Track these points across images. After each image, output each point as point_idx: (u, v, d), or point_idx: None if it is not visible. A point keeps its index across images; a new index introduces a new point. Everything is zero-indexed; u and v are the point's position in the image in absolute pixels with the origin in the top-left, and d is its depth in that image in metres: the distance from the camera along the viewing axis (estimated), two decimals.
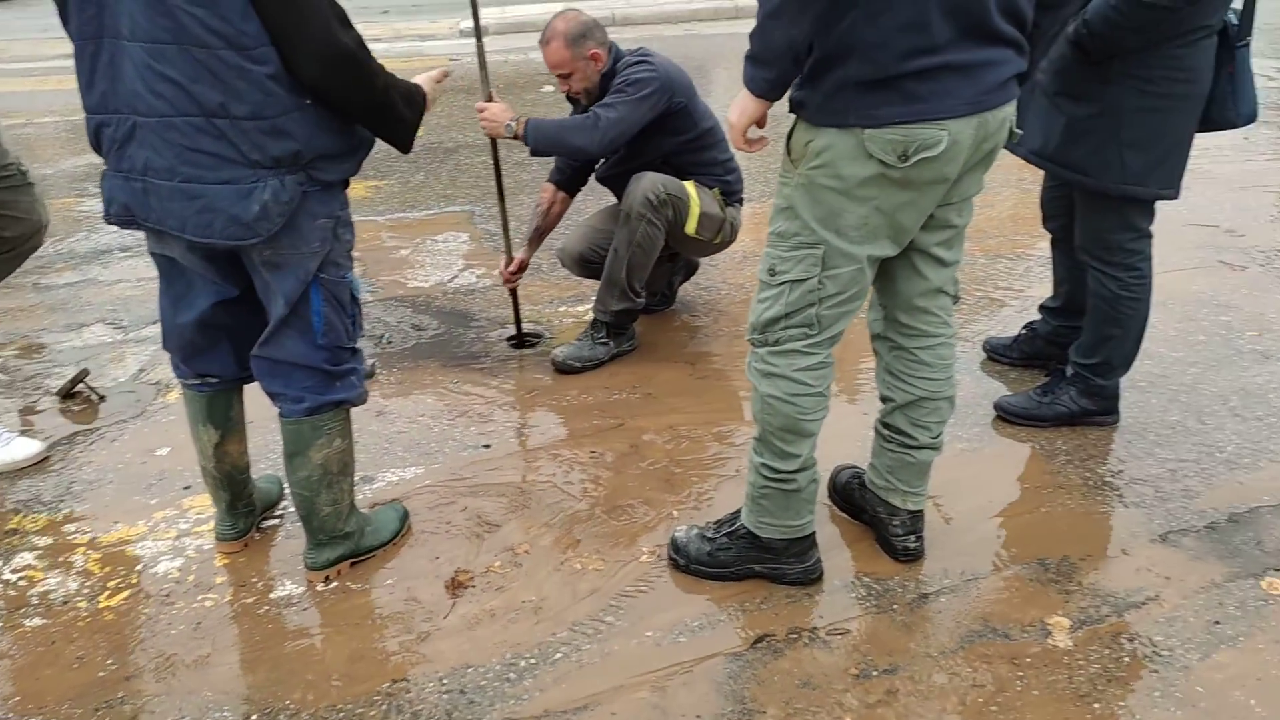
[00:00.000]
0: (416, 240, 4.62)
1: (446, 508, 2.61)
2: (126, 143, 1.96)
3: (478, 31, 3.11)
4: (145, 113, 1.91)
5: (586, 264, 3.53)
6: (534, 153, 3.14)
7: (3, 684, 2.07)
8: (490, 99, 3.13)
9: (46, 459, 2.88)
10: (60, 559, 2.45)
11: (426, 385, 3.27)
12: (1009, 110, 1.93)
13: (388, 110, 2.07)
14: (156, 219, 2.01)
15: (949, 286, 2.16)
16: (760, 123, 1.94)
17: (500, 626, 2.18)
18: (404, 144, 2.18)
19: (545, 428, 3.02)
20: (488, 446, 2.90)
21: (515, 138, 3.08)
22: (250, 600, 2.29)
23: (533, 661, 2.08)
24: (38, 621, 2.24)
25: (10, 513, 2.65)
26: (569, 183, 3.49)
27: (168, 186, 1.95)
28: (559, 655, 2.09)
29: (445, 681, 2.03)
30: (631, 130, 3.12)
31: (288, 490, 2.37)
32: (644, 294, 3.34)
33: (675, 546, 2.34)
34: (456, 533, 2.51)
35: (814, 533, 2.25)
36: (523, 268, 3.48)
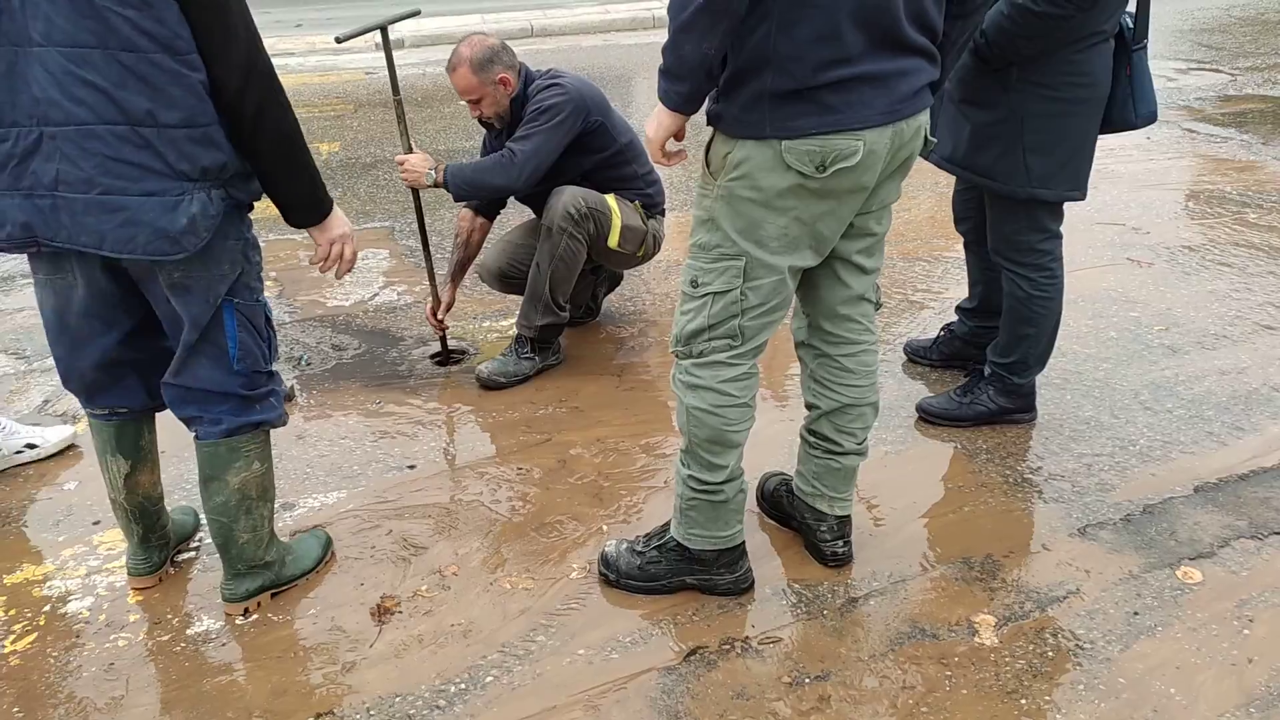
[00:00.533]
0: None
1: (371, 532, 2.55)
2: (29, 157, 1.82)
3: (394, 83, 3.13)
4: (60, 122, 1.79)
5: (507, 280, 3.49)
6: (457, 198, 3.17)
7: None
8: (410, 150, 3.13)
9: None
10: None
11: (348, 406, 3.20)
12: (923, 119, 1.96)
13: (296, 146, 1.98)
14: (67, 237, 1.86)
15: (871, 293, 2.18)
16: (678, 136, 1.94)
17: (429, 652, 2.14)
18: (303, 197, 2.05)
19: (471, 445, 2.98)
20: (412, 467, 2.85)
21: (436, 185, 3.11)
22: (166, 638, 2.21)
23: (463, 686, 2.04)
24: None
25: None
26: (487, 208, 3.45)
27: (84, 200, 1.83)
28: (489, 678, 2.05)
29: (373, 713, 1.98)
30: (550, 159, 3.12)
31: (204, 520, 2.28)
32: (568, 307, 3.32)
33: (605, 561, 2.32)
34: (382, 557, 2.45)
35: (744, 542, 2.25)
36: (450, 306, 3.44)
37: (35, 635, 2.22)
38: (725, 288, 1.99)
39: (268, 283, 4.20)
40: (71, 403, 3.22)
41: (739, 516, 2.21)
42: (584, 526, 2.55)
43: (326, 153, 6.31)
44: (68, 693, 2.06)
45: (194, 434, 2.16)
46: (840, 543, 2.35)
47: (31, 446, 2.89)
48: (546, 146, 3.10)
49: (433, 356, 3.52)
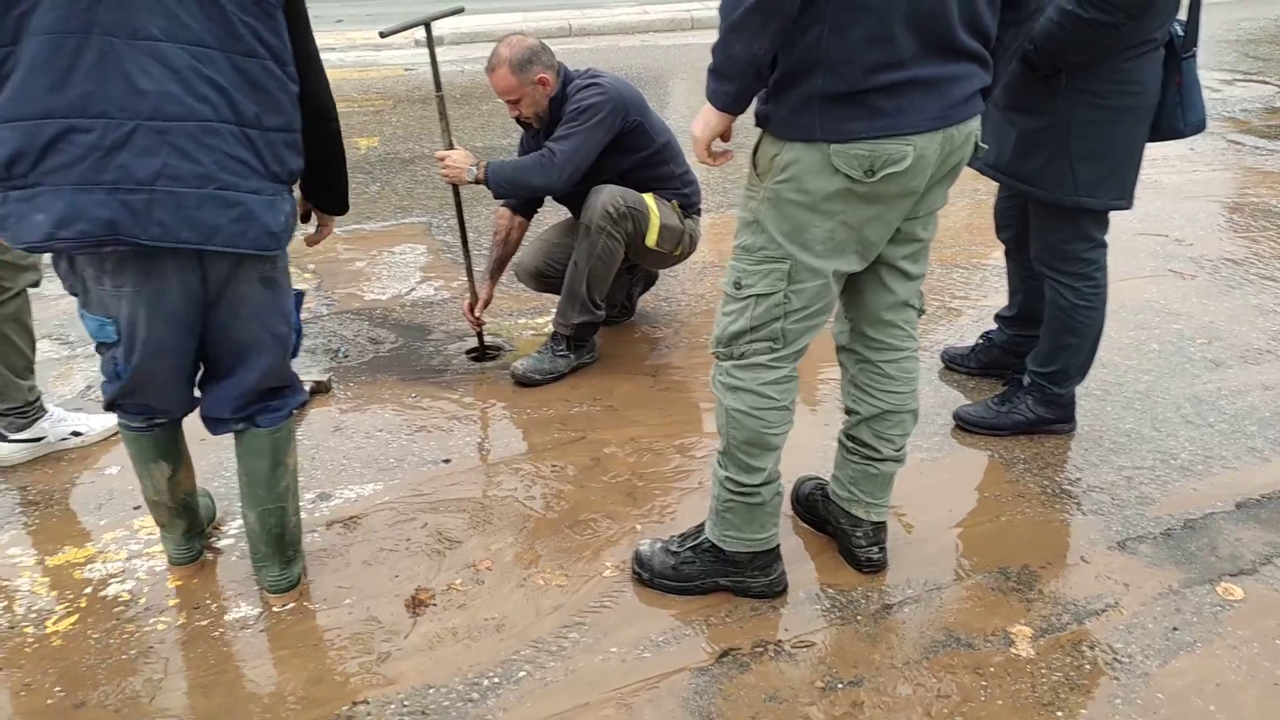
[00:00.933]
0: (373, 252, 4.56)
1: (406, 524, 2.57)
2: (117, 150, 1.78)
3: (436, 78, 3.17)
4: (180, 117, 1.80)
5: (544, 279, 3.50)
6: (497, 195, 3.20)
7: None
8: (450, 146, 3.16)
9: None
10: (5, 583, 2.38)
11: (385, 399, 3.22)
12: (974, 125, 1.94)
13: (341, 151, 2.18)
14: (160, 234, 1.83)
15: (914, 299, 2.17)
16: (724, 136, 1.94)
17: (462, 645, 2.15)
18: (344, 194, 2.27)
19: (506, 441, 2.99)
20: (448, 461, 2.87)
21: (477, 182, 3.13)
22: (205, 623, 2.23)
23: (496, 681, 2.04)
24: None
25: None
26: (525, 206, 3.47)
27: (197, 194, 1.83)
28: (522, 674, 2.06)
29: (406, 703, 1.99)
30: (589, 159, 3.13)
31: (241, 511, 2.31)
32: (604, 306, 3.33)
33: (639, 561, 2.32)
34: (417, 550, 2.47)
35: (778, 545, 2.25)
36: (487, 303, 3.46)
37: (76, 617, 2.26)
38: (769, 290, 1.98)
39: (306, 275, 4.25)
40: None
41: (775, 519, 2.21)
42: (617, 525, 2.55)
43: (365, 147, 6.36)
44: (108, 675, 2.09)
45: (244, 430, 2.19)
46: (875, 549, 2.34)
47: (77, 434, 2.93)
48: (586, 146, 3.11)
49: (468, 352, 3.54)
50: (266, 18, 1.86)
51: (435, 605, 2.27)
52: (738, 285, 2.02)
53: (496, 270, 3.50)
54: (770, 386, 2.05)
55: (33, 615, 2.27)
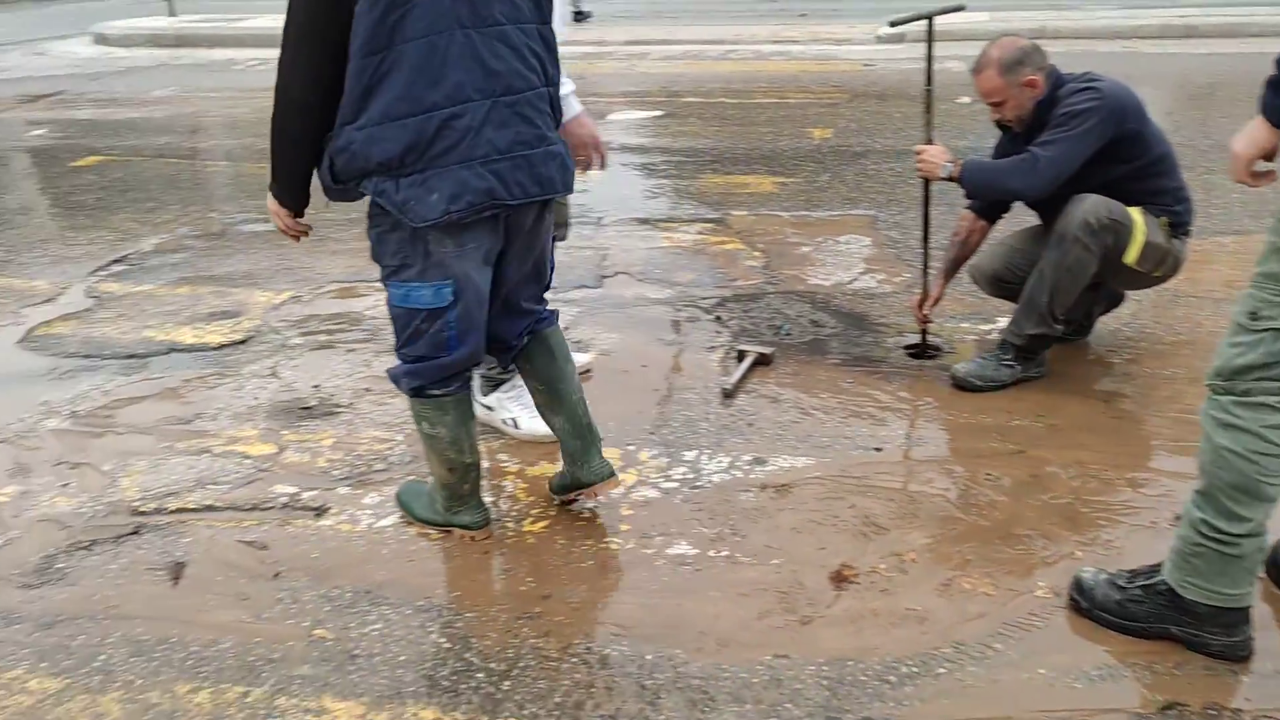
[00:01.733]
0: (819, 239, 4.69)
1: (835, 502, 2.65)
2: (483, 127, 2.08)
3: (929, 73, 3.20)
4: (523, 89, 2.14)
5: (1002, 284, 3.40)
6: (970, 195, 3.18)
7: (448, 581, 2.40)
8: (930, 141, 3.17)
9: None
10: (495, 482, 2.79)
11: (821, 380, 3.32)
12: None
13: None
14: (522, 193, 2.15)
15: None
16: (1269, 155, 1.77)
17: (882, 628, 2.18)
18: None
19: (939, 441, 2.97)
20: (879, 450, 2.90)
21: (951, 179, 3.11)
22: (649, 552, 2.47)
23: (914, 670, 2.06)
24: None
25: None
26: (990, 209, 3.37)
27: (540, 153, 2.17)
28: (942, 670, 2.06)
29: (825, 669, 2.07)
30: (1073, 167, 2.98)
31: (550, 423, 2.57)
32: (1063, 321, 3.16)
33: (1079, 587, 2.21)
34: (844, 528, 2.54)
35: (1250, 606, 2.03)
36: (938, 301, 3.44)
37: (548, 522, 2.60)
38: None
39: (756, 254, 4.48)
40: (586, 332, 3.68)
41: (1251, 577, 1.99)
42: (1054, 547, 2.44)
43: (819, 138, 6.53)
44: (569, 578, 2.38)
45: (531, 341, 2.47)
46: None
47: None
48: (1073, 153, 2.96)
49: (907, 348, 3.54)
50: None
51: (859, 584, 2.33)
52: (1254, 316, 1.84)
53: (951, 270, 3.45)
54: (1274, 430, 1.85)
55: (514, 513, 2.64)
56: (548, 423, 2.57)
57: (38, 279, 4.47)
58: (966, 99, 7.24)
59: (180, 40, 11.71)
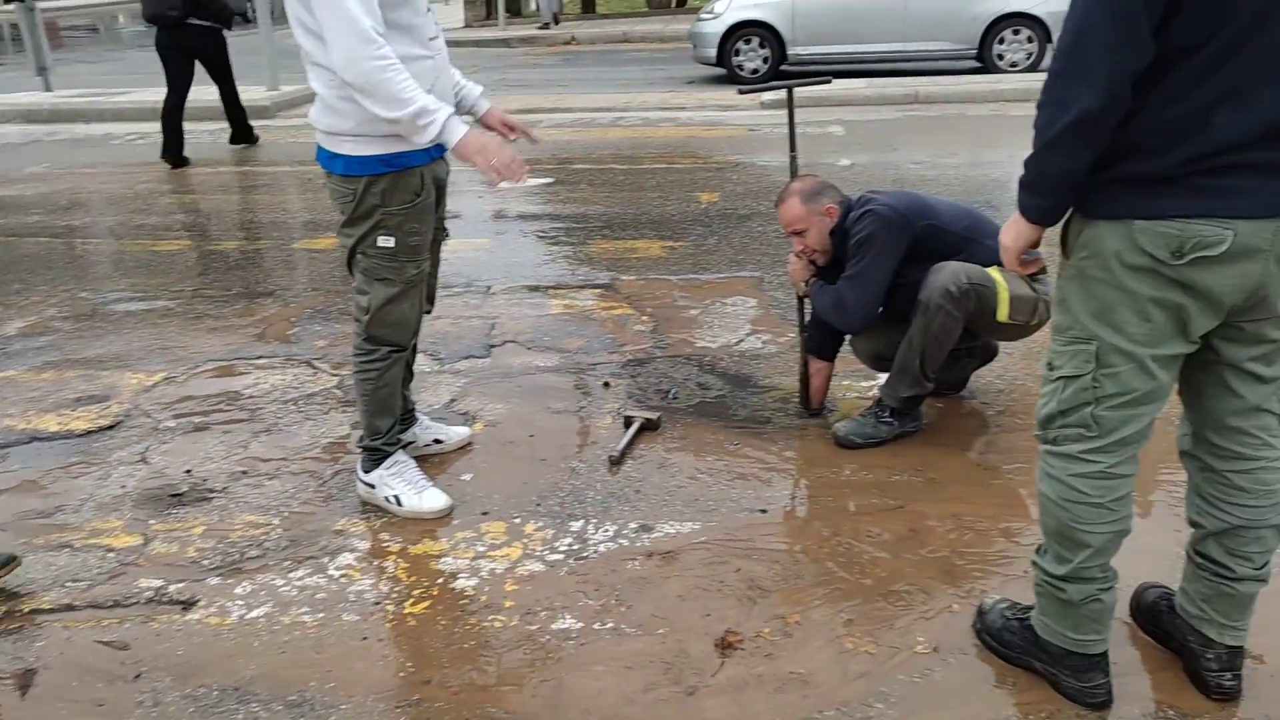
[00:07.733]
0: (706, 301, 4.76)
1: (720, 566, 2.65)
2: None
3: (792, 139, 3.35)
4: None
5: (880, 360, 3.46)
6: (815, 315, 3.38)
7: (322, 672, 2.31)
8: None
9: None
10: (375, 563, 2.72)
11: (708, 443, 3.34)
12: None
13: None
14: None
15: (1272, 404, 1.94)
16: (1034, 245, 1.92)
17: (766, 694, 2.18)
18: None
19: (822, 500, 3.01)
20: (764, 511, 2.92)
21: (804, 297, 3.35)
22: (533, 628, 2.42)
23: None
24: (353, 617, 2.49)
25: (342, 517, 2.96)
26: (823, 348, 3.50)
27: None
28: None
29: None
30: (881, 289, 3.17)
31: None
32: (934, 379, 3.26)
33: (981, 608, 2.35)
34: (729, 593, 2.54)
35: (1102, 654, 2.08)
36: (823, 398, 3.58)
37: (429, 602, 2.53)
38: (1076, 372, 1.90)
39: (645, 318, 4.52)
40: (473, 403, 3.65)
41: (1094, 626, 2.05)
42: (933, 602, 2.48)
43: (706, 202, 6.66)
44: (451, 660, 2.32)
45: None
46: (1228, 674, 2.11)
47: (438, 441, 3.30)
48: (874, 279, 3.15)
49: (799, 402, 3.59)
50: None
51: (744, 649, 2.32)
52: (1050, 366, 1.97)
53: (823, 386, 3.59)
54: (1081, 479, 1.94)
55: (394, 595, 2.57)
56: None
57: None
58: (847, 160, 7.50)
59: (56, 115, 11.35)
